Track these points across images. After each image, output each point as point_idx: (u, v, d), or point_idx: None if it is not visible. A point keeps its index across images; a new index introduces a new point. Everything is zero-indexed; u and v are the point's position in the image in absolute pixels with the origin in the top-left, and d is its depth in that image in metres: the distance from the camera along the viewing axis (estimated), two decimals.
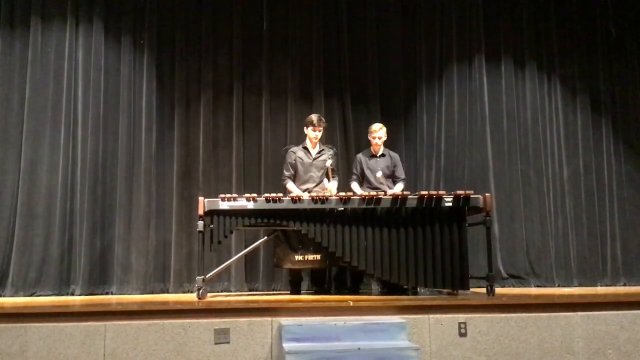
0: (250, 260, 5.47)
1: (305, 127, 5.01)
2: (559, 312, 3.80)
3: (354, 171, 5.15)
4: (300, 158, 4.98)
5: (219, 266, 4.65)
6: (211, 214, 4.25)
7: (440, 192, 4.36)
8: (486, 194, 4.41)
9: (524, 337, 3.73)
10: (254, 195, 4.28)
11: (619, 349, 3.79)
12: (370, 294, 4.84)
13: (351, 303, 3.82)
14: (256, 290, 5.41)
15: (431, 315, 3.72)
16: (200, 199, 4.29)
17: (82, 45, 5.47)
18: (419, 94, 6.01)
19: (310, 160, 4.98)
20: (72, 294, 5.10)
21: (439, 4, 6.08)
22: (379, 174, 4.95)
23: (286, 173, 4.97)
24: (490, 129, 5.89)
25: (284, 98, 5.78)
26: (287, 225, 4.33)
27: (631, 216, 6.00)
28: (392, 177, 5.11)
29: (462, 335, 3.70)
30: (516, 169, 5.88)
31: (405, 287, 4.42)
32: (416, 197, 4.31)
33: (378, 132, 5.05)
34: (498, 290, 4.59)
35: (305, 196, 4.35)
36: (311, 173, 4.95)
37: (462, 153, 5.86)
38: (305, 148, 5.03)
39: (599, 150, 6.08)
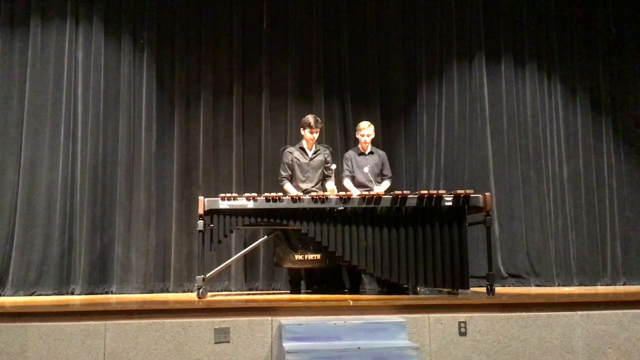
0: (250, 259, 5.47)
1: (301, 129, 5.01)
2: (559, 311, 3.80)
3: (347, 168, 5.13)
4: (297, 158, 4.98)
5: (219, 265, 4.66)
6: (211, 213, 4.25)
7: (440, 192, 4.37)
8: (486, 194, 4.43)
9: (524, 337, 3.73)
10: (254, 194, 4.29)
11: (618, 348, 3.79)
12: (369, 293, 4.84)
13: (351, 302, 3.82)
14: (256, 290, 5.41)
15: (431, 315, 3.72)
16: (200, 198, 4.30)
17: (82, 44, 5.46)
18: (419, 94, 6.01)
19: (307, 161, 4.99)
20: (72, 294, 5.09)
21: (439, 4, 6.07)
22: (366, 169, 4.94)
23: (283, 174, 4.98)
24: (490, 129, 5.87)
25: (284, 97, 5.78)
26: (287, 225, 4.33)
27: (631, 216, 6.00)
28: (380, 175, 5.11)
29: (462, 334, 3.70)
30: (516, 168, 5.87)
31: (405, 286, 4.42)
32: (416, 196, 4.31)
33: (366, 130, 5.05)
34: (498, 289, 4.60)
35: (305, 196, 4.35)
36: (308, 173, 4.96)
37: (462, 152, 5.85)
38: (302, 148, 5.03)
39: (599, 150, 6.06)
